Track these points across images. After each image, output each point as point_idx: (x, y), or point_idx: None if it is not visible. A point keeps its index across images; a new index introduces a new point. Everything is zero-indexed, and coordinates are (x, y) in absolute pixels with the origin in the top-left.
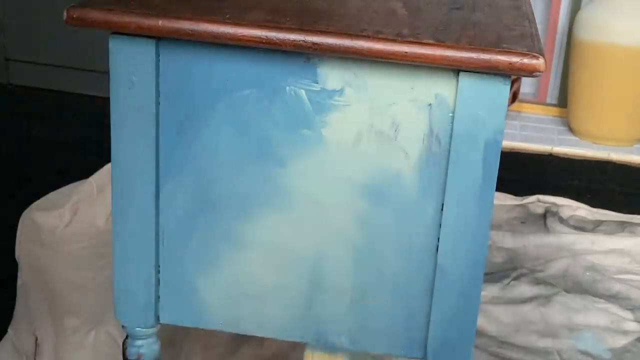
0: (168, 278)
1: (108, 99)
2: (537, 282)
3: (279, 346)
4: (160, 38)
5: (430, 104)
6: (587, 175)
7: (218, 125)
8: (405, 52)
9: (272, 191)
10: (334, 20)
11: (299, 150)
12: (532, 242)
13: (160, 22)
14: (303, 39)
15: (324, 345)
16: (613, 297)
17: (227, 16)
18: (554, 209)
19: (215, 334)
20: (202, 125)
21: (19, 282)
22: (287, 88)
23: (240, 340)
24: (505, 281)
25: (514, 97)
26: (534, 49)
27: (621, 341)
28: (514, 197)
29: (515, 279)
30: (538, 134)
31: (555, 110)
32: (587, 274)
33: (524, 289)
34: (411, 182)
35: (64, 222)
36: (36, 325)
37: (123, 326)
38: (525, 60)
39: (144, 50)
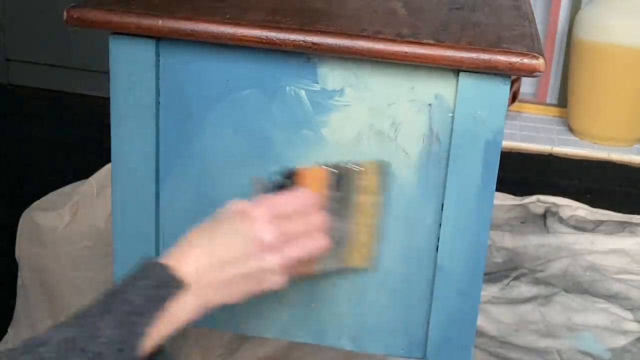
0: None
1: (108, 99)
2: (537, 282)
3: (279, 346)
4: (160, 38)
5: (430, 104)
6: (587, 175)
7: (218, 125)
8: (405, 52)
9: None
10: (334, 20)
11: (299, 150)
12: (532, 242)
13: (160, 22)
14: (303, 39)
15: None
16: (613, 297)
17: (227, 16)
18: (554, 209)
19: (215, 334)
20: (202, 125)
21: (19, 282)
22: (287, 88)
23: (240, 340)
24: (505, 281)
25: (514, 97)
26: (534, 49)
27: (621, 341)
28: (514, 197)
29: (515, 279)
30: (538, 134)
31: (555, 110)
32: (587, 274)
33: (524, 289)
34: (411, 182)
35: (64, 222)
36: (36, 325)
37: None
38: (525, 60)
39: (144, 50)
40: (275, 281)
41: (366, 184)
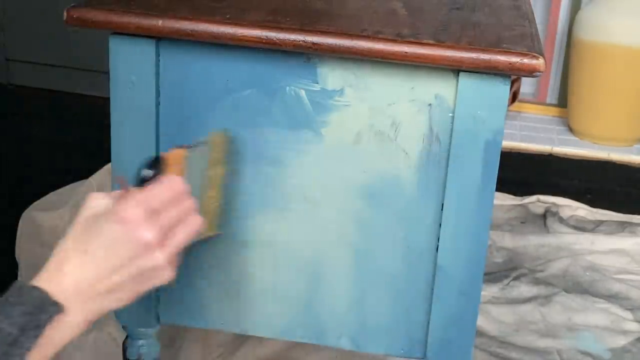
0: None
1: (108, 99)
2: (537, 282)
3: (279, 346)
4: (160, 38)
5: (430, 104)
6: (587, 175)
7: (218, 125)
8: (405, 52)
9: (271, 191)
10: (334, 20)
11: (298, 150)
12: (532, 242)
13: (160, 22)
14: (303, 39)
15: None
16: (613, 297)
17: (227, 16)
18: (554, 209)
19: (215, 334)
20: (202, 125)
21: None
22: (287, 88)
23: (240, 340)
24: (505, 281)
25: (514, 97)
26: (534, 49)
27: (621, 341)
28: (514, 197)
29: (515, 279)
30: (538, 134)
31: (555, 110)
32: (587, 274)
33: (524, 289)
34: (411, 182)
35: (64, 222)
36: None
37: (123, 326)
38: (525, 60)
39: (144, 50)
40: (164, 275)
41: (215, 156)
